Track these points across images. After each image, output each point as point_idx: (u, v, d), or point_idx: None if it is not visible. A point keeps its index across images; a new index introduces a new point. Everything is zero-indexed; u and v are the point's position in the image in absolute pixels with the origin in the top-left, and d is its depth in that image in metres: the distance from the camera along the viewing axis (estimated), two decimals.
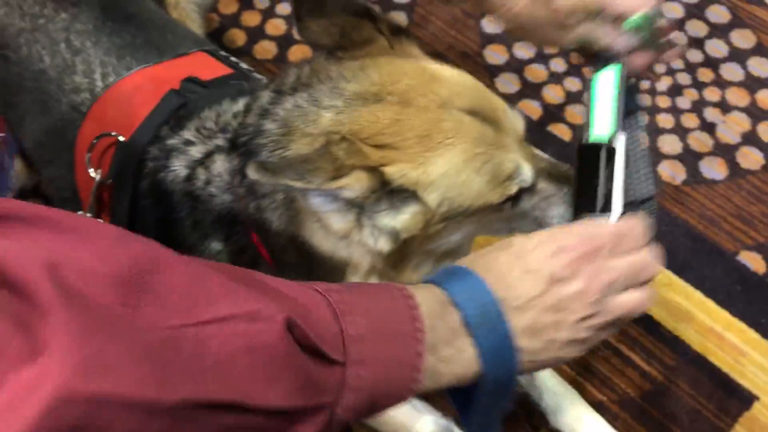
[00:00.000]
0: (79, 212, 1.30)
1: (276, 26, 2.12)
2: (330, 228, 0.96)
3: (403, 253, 1.02)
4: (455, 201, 0.97)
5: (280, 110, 1.00)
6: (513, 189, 1.01)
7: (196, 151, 1.18)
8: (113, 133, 1.26)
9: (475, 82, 1.05)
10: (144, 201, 1.22)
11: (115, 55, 1.37)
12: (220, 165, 1.14)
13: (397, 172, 0.92)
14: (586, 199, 0.96)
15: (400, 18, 2.11)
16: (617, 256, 0.84)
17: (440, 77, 1.01)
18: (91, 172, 1.26)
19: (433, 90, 0.98)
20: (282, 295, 0.70)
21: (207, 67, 1.37)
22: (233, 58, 1.44)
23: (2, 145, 1.18)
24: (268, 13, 2.14)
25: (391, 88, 0.98)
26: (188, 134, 1.21)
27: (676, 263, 1.73)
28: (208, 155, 1.17)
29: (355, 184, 0.89)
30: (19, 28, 1.42)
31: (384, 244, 0.97)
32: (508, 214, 1.06)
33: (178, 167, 1.18)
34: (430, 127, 0.95)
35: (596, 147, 0.99)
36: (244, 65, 1.43)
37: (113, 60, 1.37)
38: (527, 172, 1.03)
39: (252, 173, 0.84)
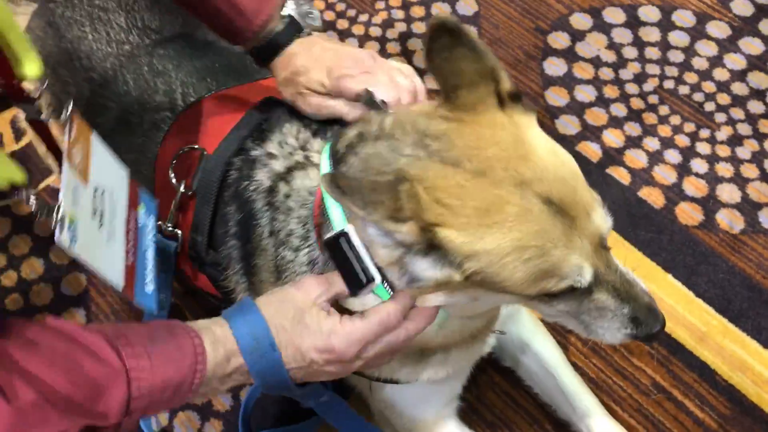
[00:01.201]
0: (158, 223, 1.36)
1: None
2: (376, 256, 1.02)
3: (427, 298, 1.05)
4: (491, 277, 0.97)
5: (361, 151, 1.05)
6: (553, 285, 0.99)
7: (279, 165, 1.24)
8: (197, 147, 1.33)
9: (571, 170, 1.02)
10: (227, 208, 1.28)
11: (196, 77, 1.45)
12: (300, 181, 1.20)
13: (446, 237, 0.94)
14: (354, 279, 1.05)
15: None
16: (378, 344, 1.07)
17: (532, 156, 0.99)
18: (173, 181, 1.32)
19: (518, 167, 0.97)
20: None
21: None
22: None
23: (135, 194, 1.24)
24: None
25: (471, 154, 0.98)
26: (271, 147, 1.26)
27: (732, 312, 1.72)
28: (289, 170, 1.22)
29: (407, 235, 0.93)
30: (105, 53, 1.51)
31: (403, 284, 1.01)
32: (547, 306, 1.06)
33: (262, 178, 1.24)
34: (493, 203, 0.95)
35: (336, 236, 1.05)
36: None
37: (194, 81, 1.45)
38: (585, 278, 1.00)
39: (324, 184, 0.89)
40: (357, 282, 1.05)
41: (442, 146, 0.99)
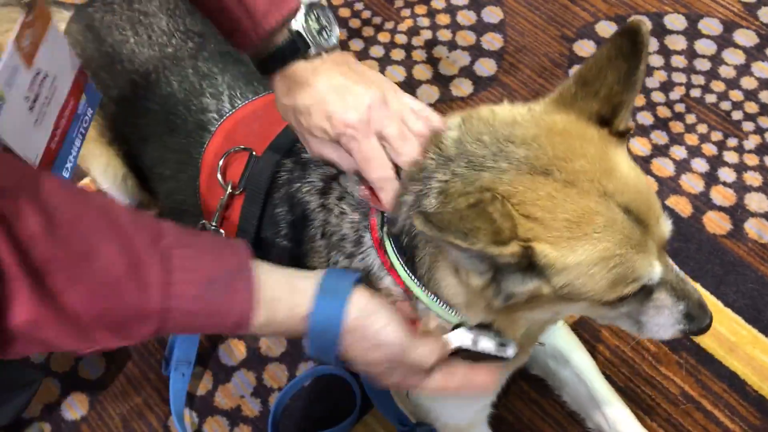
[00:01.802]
0: (202, 222, 1.38)
1: (369, 67, 2.19)
2: (467, 282, 1.00)
3: (513, 314, 1.06)
4: (577, 288, 0.98)
5: (436, 184, 1.02)
6: (630, 289, 1.01)
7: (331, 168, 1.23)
8: (245, 148, 1.34)
9: (645, 182, 1.04)
10: (278, 209, 1.28)
11: (243, 80, 1.47)
12: (353, 185, 1.19)
13: (542, 252, 0.94)
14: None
15: (489, 65, 2.18)
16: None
17: (614, 170, 0.99)
18: (221, 180, 1.33)
19: (603, 180, 0.98)
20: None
21: None
22: None
23: (79, 86, 1.23)
24: (363, 55, 2.24)
25: (562, 165, 0.98)
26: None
27: (761, 321, 1.71)
28: (343, 172, 1.21)
29: (510, 257, 0.92)
30: (148, 56, 1.53)
31: (499, 303, 1.01)
32: (612, 310, 1.08)
33: (315, 180, 1.24)
34: (583, 215, 0.96)
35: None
36: None
37: (241, 84, 1.46)
38: (656, 277, 1.03)
39: (419, 225, 0.87)
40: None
41: (531, 153, 0.99)
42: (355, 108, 1.09)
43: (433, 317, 1.12)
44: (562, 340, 1.58)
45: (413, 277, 1.09)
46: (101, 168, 1.76)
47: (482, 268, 0.97)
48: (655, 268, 1.02)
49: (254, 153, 1.34)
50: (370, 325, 1.02)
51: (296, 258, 1.28)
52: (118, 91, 1.58)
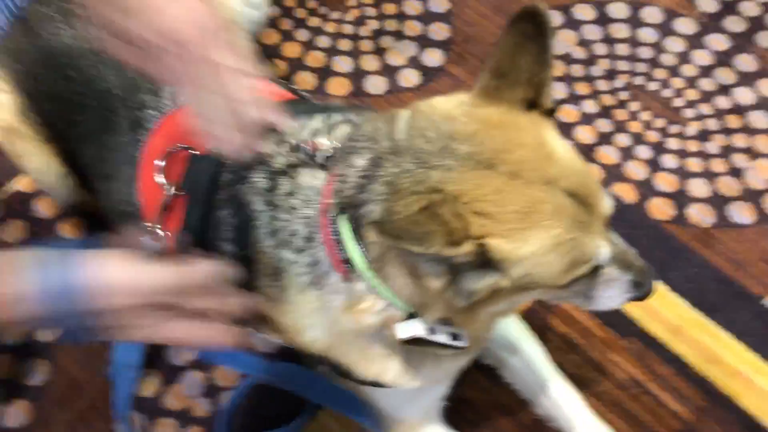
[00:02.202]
0: (143, 224, 1.35)
1: (316, 58, 2.18)
2: (426, 285, 1.00)
3: (473, 309, 1.06)
4: (534, 277, 1.00)
5: (385, 173, 1.02)
6: (583, 270, 1.04)
7: (277, 163, 1.20)
8: (186, 146, 1.29)
9: (582, 163, 1.06)
10: (221, 212, 1.25)
11: None
12: (306, 179, 1.17)
13: (495, 247, 0.95)
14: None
15: (437, 56, 2.17)
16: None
17: (553, 155, 1.01)
18: (161, 181, 1.28)
19: (544, 167, 0.99)
20: None
21: (273, 91, 1.42)
22: (294, 86, 1.50)
23: None
24: (309, 46, 2.20)
25: (504, 157, 0.99)
26: (266, 147, 1.22)
27: (704, 305, 1.76)
28: (292, 166, 1.19)
29: (464, 256, 0.93)
30: (83, 50, 1.48)
31: (459, 302, 1.01)
32: (565, 291, 1.10)
33: (259, 179, 1.21)
34: (532, 205, 0.97)
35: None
36: (304, 93, 1.47)
37: None
38: (605, 257, 1.07)
39: (374, 237, 0.89)
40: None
41: (474, 149, 0.99)
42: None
43: (372, 299, 1.11)
44: (512, 329, 1.60)
45: (368, 264, 1.07)
46: (39, 167, 1.70)
47: (439, 271, 0.97)
48: (603, 248, 1.06)
49: (195, 152, 1.30)
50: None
51: (241, 262, 1.25)
52: (54, 87, 1.52)
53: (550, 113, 1.06)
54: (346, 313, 1.15)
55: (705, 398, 1.64)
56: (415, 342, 1.11)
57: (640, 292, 1.19)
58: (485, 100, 1.05)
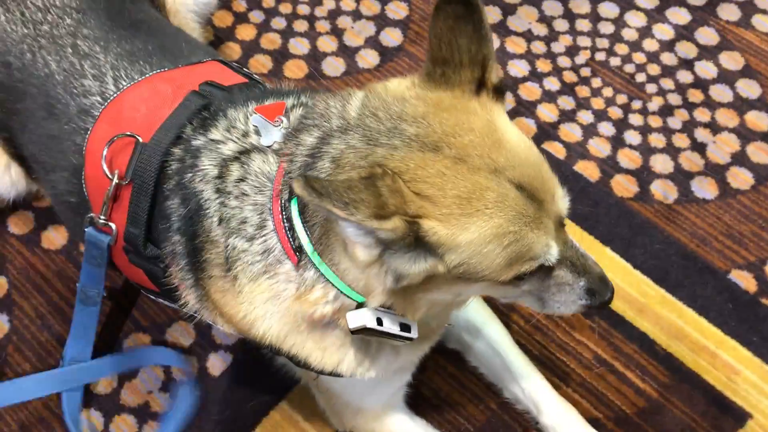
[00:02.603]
0: (90, 215, 1.30)
1: (271, 40, 2.12)
2: (354, 257, 0.98)
3: (412, 296, 1.04)
4: (472, 267, 0.97)
5: (330, 150, 1.00)
6: (527, 267, 1.00)
7: (228, 150, 1.17)
8: (131, 134, 1.25)
9: (536, 155, 1.03)
10: (169, 201, 1.21)
11: (127, 60, 1.37)
12: (258, 165, 1.14)
13: (430, 229, 0.92)
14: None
15: (395, 35, 2.12)
16: None
17: (504, 143, 0.98)
18: (105, 170, 1.25)
19: (492, 155, 0.97)
20: None
21: (223, 74, 1.37)
22: (246, 69, 1.45)
23: None
24: (263, 27, 2.14)
25: (451, 140, 0.96)
26: (216, 134, 1.20)
27: (668, 281, 1.75)
28: (244, 153, 1.16)
29: (392, 231, 0.90)
30: (21, 34, 1.41)
31: (390, 283, 0.98)
32: (514, 289, 1.07)
33: (208, 166, 1.17)
34: (473, 191, 0.94)
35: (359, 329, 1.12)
36: (256, 76, 1.43)
37: (125, 64, 1.36)
38: (553, 256, 1.02)
39: (297, 188, 0.84)
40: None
41: (421, 131, 0.97)
42: None
43: (323, 287, 1.08)
44: (475, 312, 1.57)
45: (313, 246, 1.05)
46: None
47: (367, 242, 0.94)
48: (552, 248, 1.01)
49: (140, 140, 1.25)
50: None
51: (192, 253, 1.21)
52: None
53: (500, 91, 1.03)
54: (299, 303, 1.11)
55: (670, 375, 1.63)
56: (365, 332, 1.08)
57: (595, 301, 1.13)
58: (435, 86, 1.03)
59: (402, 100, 1.02)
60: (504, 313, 1.67)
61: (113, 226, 1.29)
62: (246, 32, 2.13)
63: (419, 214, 0.92)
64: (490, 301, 1.63)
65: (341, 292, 1.07)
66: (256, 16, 2.16)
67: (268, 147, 1.16)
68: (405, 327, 1.11)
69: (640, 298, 1.73)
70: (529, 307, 1.18)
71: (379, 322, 1.07)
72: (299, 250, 1.08)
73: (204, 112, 1.24)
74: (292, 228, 1.08)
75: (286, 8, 2.17)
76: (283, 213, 1.09)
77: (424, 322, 1.18)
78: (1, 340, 1.68)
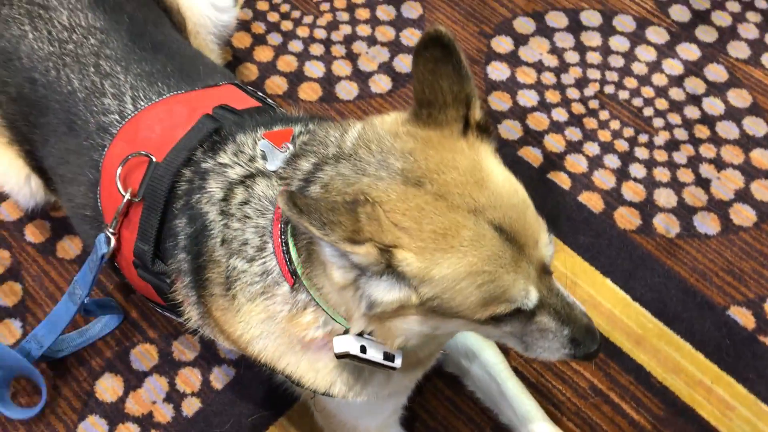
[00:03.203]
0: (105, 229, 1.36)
1: (287, 63, 2.17)
2: (330, 278, 1.02)
3: (390, 324, 1.06)
4: (445, 302, 1.00)
5: (323, 175, 1.05)
6: (503, 309, 1.01)
7: (234, 173, 1.23)
8: (145, 153, 1.31)
9: (521, 198, 1.04)
10: (177, 221, 1.26)
11: (146, 81, 1.43)
12: (261, 189, 1.19)
13: (403, 259, 0.96)
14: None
15: (408, 61, 2.17)
16: None
17: (487, 183, 1.01)
18: (121, 188, 1.30)
19: (473, 193, 0.99)
20: None
21: (237, 98, 1.42)
22: (260, 93, 1.50)
23: None
24: (281, 50, 2.20)
25: (434, 177, 1.00)
26: (225, 158, 1.25)
27: (667, 314, 1.77)
28: (249, 177, 1.21)
29: (364, 257, 0.94)
30: (48, 51, 1.47)
31: (364, 309, 1.02)
32: (494, 329, 1.09)
33: (214, 189, 1.23)
34: (450, 228, 0.97)
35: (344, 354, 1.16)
36: (270, 100, 1.48)
37: (144, 85, 1.42)
38: (531, 301, 1.03)
39: (281, 202, 0.89)
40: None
41: (407, 166, 1.01)
42: None
43: (314, 311, 1.12)
44: (472, 338, 1.60)
45: (302, 267, 1.10)
46: (2, 169, 1.69)
47: (343, 264, 0.98)
48: (530, 293, 1.03)
49: (154, 159, 1.31)
50: None
51: (196, 271, 1.26)
52: (17, 89, 1.51)
53: (484, 129, 1.06)
54: (291, 325, 1.15)
55: (665, 408, 1.65)
56: (350, 358, 1.12)
57: (579, 351, 1.13)
58: (424, 125, 1.06)
59: (394, 135, 1.06)
60: None
61: (112, 240, 1.35)
62: (264, 54, 2.19)
63: (394, 244, 0.96)
64: None
65: (330, 316, 1.11)
66: (274, 38, 2.22)
67: (274, 172, 1.20)
68: (389, 356, 1.13)
69: (638, 330, 1.75)
70: (513, 348, 1.18)
71: (363, 349, 1.10)
72: (295, 273, 1.13)
73: (215, 136, 1.29)
74: (288, 251, 1.12)
75: (303, 32, 2.23)
76: (282, 236, 1.13)
77: (411, 352, 1.21)
78: (13, 345, 1.74)
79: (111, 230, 1.33)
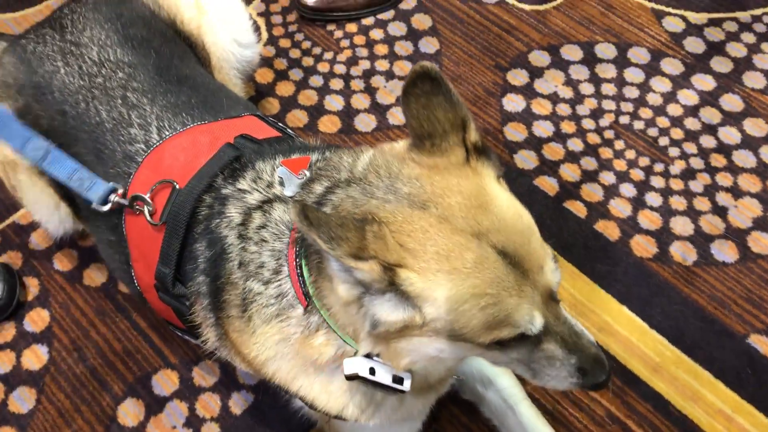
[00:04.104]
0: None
1: (308, 97, 2.24)
2: (336, 292, 1.05)
3: (396, 345, 1.08)
4: (449, 324, 1.02)
5: (335, 198, 1.09)
6: (507, 333, 1.02)
7: (253, 199, 1.27)
8: (168, 180, 1.36)
9: (526, 224, 1.06)
10: (197, 244, 1.31)
11: (171, 112, 1.49)
12: (279, 214, 1.23)
13: (407, 278, 0.98)
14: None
15: None
16: None
17: (491, 207, 1.03)
18: (147, 215, 1.35)
19: (477, 217, 1.02)
20: None
21: (258, 128, 1.48)
22: (280, 124, 1.55)
23: None
24: (302, 85, 2.27)
25: (439, 201, 1.03)
26: (244, 184, 1.30)
27: (685, 342, 1.76)
28: (267, 202, 1.26)
29: (368, 273, 0.97)
30: (78, 85, 1.54)
31: (368, 327, 1.04)
32: (501, 354, 1.09)
33: (233, 214, 1.27)
34: (453, 249, 0.99)
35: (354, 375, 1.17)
36: (290, 130, 1.53)
37: (169, 116, 1.48)
38: (536, 327, 1.04)
39: (293, 212, 0.92)
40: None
41: (413, 190, 1.04)
42: None
43: (325, 333, 1.15)
44: (487, 364, 1.60)
45: (313, 286, 1.13)
46: (33, 197, 1.76)
47: (348, 280, 1.01)
48: (535, 319, 1.03)
49: (177, 186, 1.36)
50: None
51: (214, 293, 1.29)
52: (49, 120, 1.58)
53: (482, 151, 1.09)
54: (305, 346, 1.18)
55: None
56: (360, 380, 1.14)
57: (587, 381, 1.12)
58: (429, 154, 1.09)
59: (402, 161, 1.09)
60: None
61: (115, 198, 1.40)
62: (285, 89, 2.26)
63: (399, 264, 0.98)
64: None
65: (341, 338, 1.14)
66: (296, 74, 2.29)
67: (290, 197, 1.24)
68: (398, 380, 1.15)
69: (656, 357, 1.74)
70: (521, 374, 1.18)
71: (372, 371, 1.12)
72: (308, 294, 1.16)
73: (235, 163, 1.34)
74: (302, 274, 1.16)
75: (323, 67, 2.30)
76: (297, 259, 1.17)
77: (421, 377, 1.23)
78: (39, 370, 1.78)
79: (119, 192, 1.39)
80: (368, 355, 1.13)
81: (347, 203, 1.07)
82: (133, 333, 1.82)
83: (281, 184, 1.27)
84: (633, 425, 1.65)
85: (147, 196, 1.35)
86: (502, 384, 1.60)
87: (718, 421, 1.65)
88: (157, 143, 1.45)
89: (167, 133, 1.47)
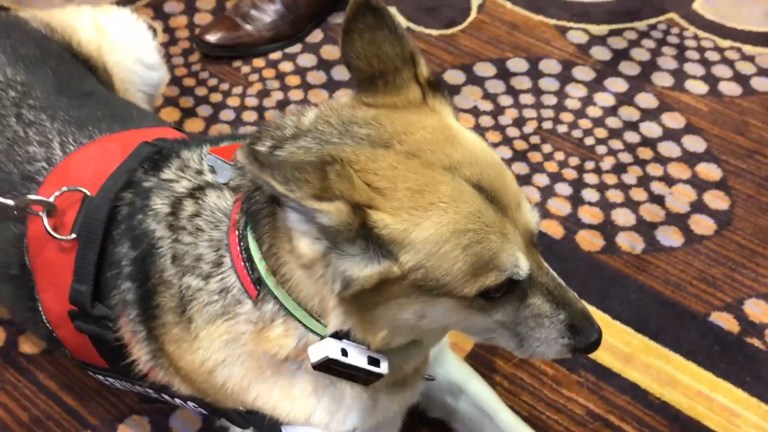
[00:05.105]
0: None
1: (220, 131, 2.10)
2: (297, 251, 0.90)
3: (370, 313, 0.94)
4: (430, 272, 0.89)
5: (282, 152, 0.95)
6: (493, 279, 0.91)
7: (181, 187, 1.11)
8: (76, 188, 1.18)
9: (496, 158, 0.97)
10: (118, 247, 1.12)
11: (75, 125, 1.32)
12: (213, 201, 1.07)
13: (380, 220, 0.86)
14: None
15: None
16: None
17: (459, 141, 0.94)
18: (48, 227, 1.15)
19: (446, 150, 0.92)
20: None
21: (175, 136, 1.33)
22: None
23: None
24: (212, 120, 2.13)
25: (402, 137, 0.92)
26: (169, 174, 1.14)
27: (650, 329, 1.68)
28: (198, 189, 1.10)
29: (334, 214, 0.83)
30: None
31: (338, 289, 0.89)
32: (485, 317, 0.98)
33: (159, 205, 1.10)
34: (426, 184, 0.88)
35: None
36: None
37: (73, 129, 1.31)
38: (522, 270, 0.93)
39: (241, 156, 0.78)
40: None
41: (372, 131, 0.93)
42: None
43: (283, 322, 0.99)
44: (455, 370, 1.46)
45: (266, 264, 0.97)
46: None
47: (311, 231, 0.87)
48: (520, 260, 0.93)
49: (88, 193, 1.18)
50: None
51: (143, 299, 1.10)
52: None
53: (435, 86, 1.01)
54: (259, 342, 1.01)
55: (668, 424, 1.52)
56: (330, 370, 0.97)
57: (580, 341, 1.02)
58: (383, 95, 0.99)
59: (353, 107, 0.99)
60: (485, 374, 1.56)
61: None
62: (195, 125, 2.12)
63: (368, 204, 0.85)
64: (469, 361, 1.52)
65: (302, 323, 0.98)
66: (205, 110, 2.16)
67: (224, 184, 1.10)
68: (374, 361, 1.00)
69: (625, 348, 1.64)
70: (506, 347, 1.06)
71: (345, 353, 0.96)
72: (259, 282, 1.00)
73: (156, 156, 1.18)
74: (250, 259, 1.00)
75: (234, 101, 2.18)
76: (242, 242, 1.01)
77: (397, 366, 1.07)
78: None
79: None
80: (338, 337, 0.97)
81: (299, 154, 0.94)
82: (40, 397, 1.55)
83: (212, 172, 1.12)
84: (615, 419, 1.53)
85: (51, 200, 1.16)
86: (474, 389, 1.45)
87: (699, 403, 1.55)
88: (61, 159, 1.28)
89: (72, 147, 1.29)
